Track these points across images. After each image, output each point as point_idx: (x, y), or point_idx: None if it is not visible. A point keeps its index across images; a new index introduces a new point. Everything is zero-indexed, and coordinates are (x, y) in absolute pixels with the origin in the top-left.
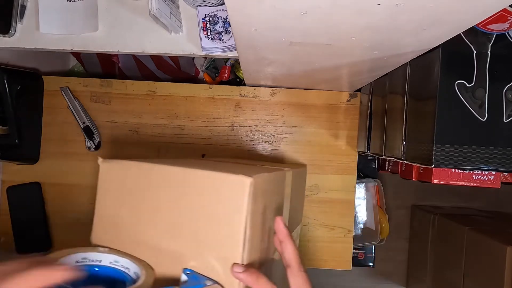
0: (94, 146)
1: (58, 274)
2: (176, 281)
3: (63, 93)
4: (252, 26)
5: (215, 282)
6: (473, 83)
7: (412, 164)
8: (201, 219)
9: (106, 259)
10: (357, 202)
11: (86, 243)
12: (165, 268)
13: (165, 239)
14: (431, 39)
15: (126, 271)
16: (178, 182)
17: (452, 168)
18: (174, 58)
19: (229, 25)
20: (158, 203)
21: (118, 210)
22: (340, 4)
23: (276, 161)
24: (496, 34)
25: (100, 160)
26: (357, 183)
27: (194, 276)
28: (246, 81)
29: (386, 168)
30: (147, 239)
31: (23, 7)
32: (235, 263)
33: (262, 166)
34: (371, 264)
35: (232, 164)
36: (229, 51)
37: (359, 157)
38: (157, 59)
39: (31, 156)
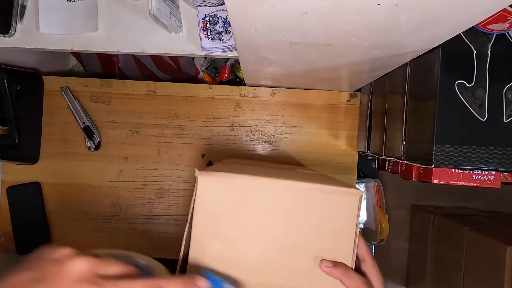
0: (94, 146)
1: None
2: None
3: (63, 93)
4: (252, 26)
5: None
6: (473, 83)
7: (412, 164)
8: (311, 231)
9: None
10: None
11: (87, 243)
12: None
13: (271, 253)
14: (431, 39)
15: None
16: (285, 195)
17: (452, 168)
18: (174, 58)
19: (229, 25)
20: (264, 217)
21: (218, 225)
22: (340, 4)
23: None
24: (496, 34)
25: (197, 172)
26: (357, 183)
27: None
28: (246, 81)
29: (386, 168)
30: (253, 255)
31: (23, 7)
32: (323, 259)
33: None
34: None
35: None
36: (229, 51)
37: (359, 157)
38: (157, 59)
39: (31, 156)
